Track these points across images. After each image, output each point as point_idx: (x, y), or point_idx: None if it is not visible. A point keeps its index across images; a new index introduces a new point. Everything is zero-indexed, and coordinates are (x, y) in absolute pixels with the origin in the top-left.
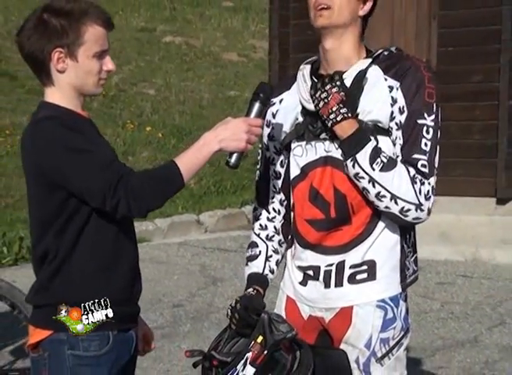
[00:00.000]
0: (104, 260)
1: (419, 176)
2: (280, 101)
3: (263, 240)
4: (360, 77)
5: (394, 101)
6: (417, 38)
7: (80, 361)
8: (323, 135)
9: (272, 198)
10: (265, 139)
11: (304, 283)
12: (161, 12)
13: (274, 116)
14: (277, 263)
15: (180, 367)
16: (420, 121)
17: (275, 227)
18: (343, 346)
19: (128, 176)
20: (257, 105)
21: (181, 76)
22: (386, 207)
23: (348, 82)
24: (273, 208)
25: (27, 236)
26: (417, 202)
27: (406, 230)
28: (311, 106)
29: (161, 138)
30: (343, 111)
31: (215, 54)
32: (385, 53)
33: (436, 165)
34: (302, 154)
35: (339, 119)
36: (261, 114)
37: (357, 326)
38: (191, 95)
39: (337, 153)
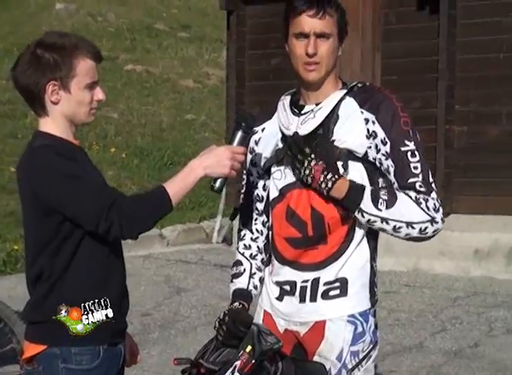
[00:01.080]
0: (95, 279)
1: (421, 195)
2: (262, 129)
3: (247, 258)
4: (336, 107)
5: (372, 133)
6: (362, 68)
7: (73, 374)
8: None
9: (256, 220)
10: (249, 165)
11: (280, 298)
12: (123, 43)
13: (257, 143)
14: (260, 280)
15: (151, 373)
16: (403, 148)
17: (258, 247)
18: (316, 358)
19: (120, 201)
20: (239, 134)
21: (142, 101)
22: (406, 234)
23: (325, 111)
24: (256, 230)
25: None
26: (430, 218)
27: (374, 251)
28: (289, 132)
29: (125, 158)
30: (329, 177)
31: (172, 80)
32: (359, 85)
33: (431, 180)
34: (281, 177)
35: (330, 185)
36: (244, 142)
37: (329, 340)
38: (152, 119)
39: None
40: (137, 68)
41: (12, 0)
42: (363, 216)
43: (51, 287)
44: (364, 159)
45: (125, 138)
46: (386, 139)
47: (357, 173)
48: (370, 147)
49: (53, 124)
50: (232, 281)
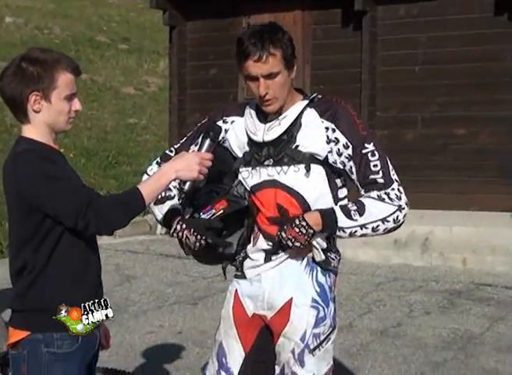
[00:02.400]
0: (74, 271)
1: (382, 191)
2: (232, 121)
3: (174, 186)
4: (299, 116)
5: (334, 140)
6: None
7: (55, 357)
8: (266, 162)
9: None
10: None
11: (267, 259)
12: (68, 53)
13: (226, 131)
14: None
15: (108, 352)
16: (364, 151)
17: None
18: (281, 339)
19: (97, 200)
20: (207, 142)
21: (88, 107)
22: (385, 229)
23: (289, 120)
24: None
25: None
26: (397, 207)
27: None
28: (256, 138)
29: (73, 158)
30: (303, 224)
31: (115, 88)
32: (319, 97)
33: (392, 173)
34: (248, 176)
35: (308, 229)
36: (211, 149)
37: (294, 323)
38: (97, 122)
39: (279, 177)
40: (82, 77)
41: None
42: (344, 232)
43: (34, 278)
44: (324, 162)
45: (72, 140)
46: (348, 143)
47: (318, 175)
48: (330, 151)
49: (34, 131)
50: (164, 202)
